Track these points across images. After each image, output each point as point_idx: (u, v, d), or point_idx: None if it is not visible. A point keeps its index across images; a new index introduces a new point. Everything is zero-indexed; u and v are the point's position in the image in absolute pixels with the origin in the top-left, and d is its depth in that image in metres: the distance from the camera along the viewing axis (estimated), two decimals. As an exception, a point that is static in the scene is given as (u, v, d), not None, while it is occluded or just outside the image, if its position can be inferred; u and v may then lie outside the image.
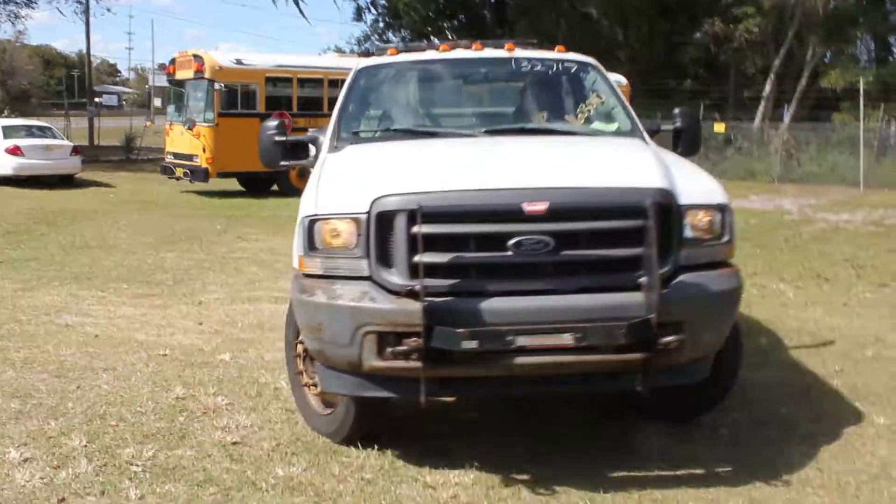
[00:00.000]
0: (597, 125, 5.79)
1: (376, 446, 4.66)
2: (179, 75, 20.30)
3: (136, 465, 4.44)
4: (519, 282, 4.12)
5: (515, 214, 4.04)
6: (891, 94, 25.43)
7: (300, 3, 34.71)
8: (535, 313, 4.02)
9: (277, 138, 5.66)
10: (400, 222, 4.05)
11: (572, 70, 6.27)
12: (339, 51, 36.50)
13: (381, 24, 41.12)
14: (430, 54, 6.48)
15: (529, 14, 38.77)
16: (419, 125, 5.92)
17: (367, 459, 4.54)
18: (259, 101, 19.53)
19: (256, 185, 20.16)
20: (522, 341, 3.95)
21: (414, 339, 3.91)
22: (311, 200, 4.42)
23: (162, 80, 31.75)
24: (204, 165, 18.95)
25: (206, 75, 19.02)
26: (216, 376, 5.94)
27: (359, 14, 40.46)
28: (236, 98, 19.38)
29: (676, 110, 6.03)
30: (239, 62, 19.62)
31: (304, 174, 18.30)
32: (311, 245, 4.28)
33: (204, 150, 18.95)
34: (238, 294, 8.76)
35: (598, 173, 4.51)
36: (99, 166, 26.31)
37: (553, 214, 4.04)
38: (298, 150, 6.00)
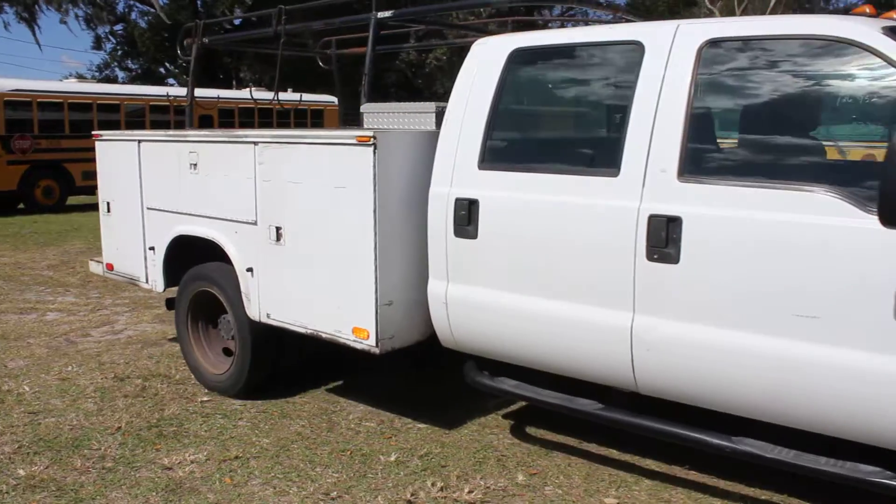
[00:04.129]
0: None
1: (118, 437, 4.40)
2: None
3: None
4: None
5: None
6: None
7: (36, 32, 31.77)
8: None
9: None
10: None
11: None
12: (81, 77, 33.75)
13: (119, 52, 38.43)
14: None
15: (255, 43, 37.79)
16: None
17: (109, 450, 4.25)
18: (-1, 123, 17.57)
19: (1, 203, 18.20)
20: None
21: None
22: None
23: None
24: (-56, 186, 16.81)
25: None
26: (-42, 388, 5.30)
27: (98, 42, 37.53)
28: (-26, 120, 17.26)
29: None
30: (-26, 86, 17.52)
31: (52, 194, 16.77)
32: None
33: (-57, 172, 16.80)
34: (-17, 308, 7.86)
35: None
36: None
37: None
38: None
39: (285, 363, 5.11)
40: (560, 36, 3.97)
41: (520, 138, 4.20)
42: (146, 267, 5.58)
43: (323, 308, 4.29)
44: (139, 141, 5.49)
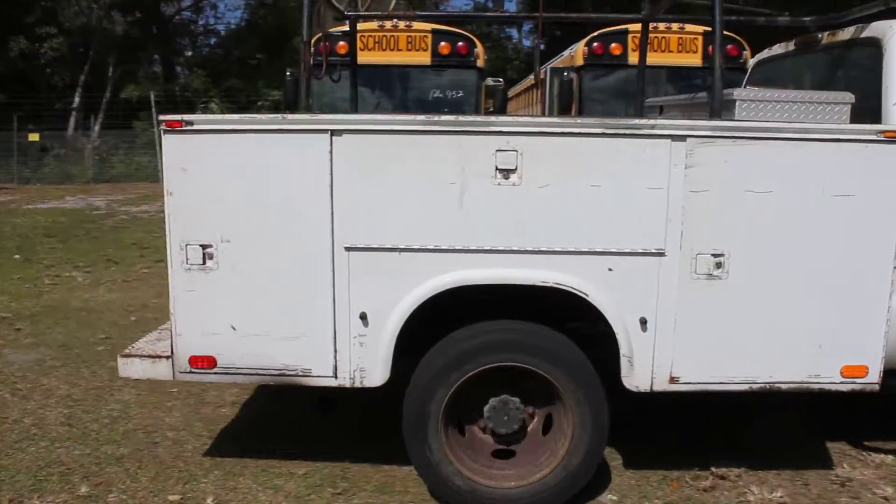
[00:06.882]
0: None
1: None
2: None
3: None
4: None
5: None
6: (178, 104, 26.50)
7: None
8: None
9: None
10: None
11: None
12: None
13: None
14: None
15: None
16: None
17: None
18: None
19: None
20: None
21: None
22: None
23: None
24: None
25: None
26: None
27: None
28: None
29: None
30: None
31: None
32: None
33: None
34: None
35: None
36: None
37: None
38: None
39: None
40: None
41: None
42: (336, 349, 3.48)
43: (788, 352, 3.55)
44: (332, 132, 3.34)
